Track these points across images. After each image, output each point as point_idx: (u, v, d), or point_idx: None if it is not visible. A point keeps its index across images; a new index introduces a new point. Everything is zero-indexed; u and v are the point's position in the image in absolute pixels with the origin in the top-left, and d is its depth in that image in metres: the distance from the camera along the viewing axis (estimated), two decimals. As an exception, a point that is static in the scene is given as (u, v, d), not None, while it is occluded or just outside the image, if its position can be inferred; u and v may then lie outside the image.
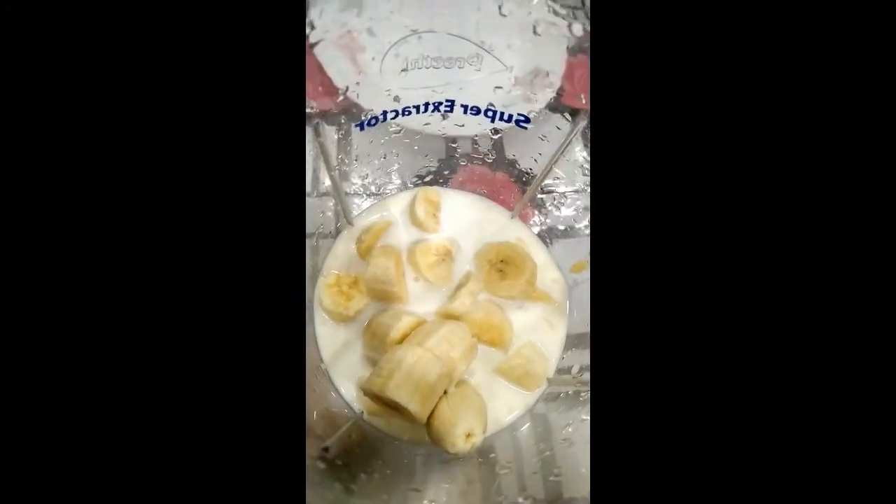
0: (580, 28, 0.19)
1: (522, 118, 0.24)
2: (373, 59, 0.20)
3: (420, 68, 0.21)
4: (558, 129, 0.26)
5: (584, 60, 0.21)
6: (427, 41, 0.20)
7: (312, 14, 0.17)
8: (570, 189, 0.31)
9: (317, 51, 0.18)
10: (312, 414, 0.24)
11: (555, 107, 0.26)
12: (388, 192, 0.32)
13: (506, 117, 0.24)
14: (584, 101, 0.24)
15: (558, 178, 0.31)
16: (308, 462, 0.17)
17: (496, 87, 0.23)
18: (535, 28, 0.20)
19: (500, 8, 0.19)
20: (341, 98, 0.23)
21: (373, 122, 0.24)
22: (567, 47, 0.24)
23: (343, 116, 0.25)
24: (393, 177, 0.32)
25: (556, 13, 0.19)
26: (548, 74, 0.23)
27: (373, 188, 0.32)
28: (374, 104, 0.23)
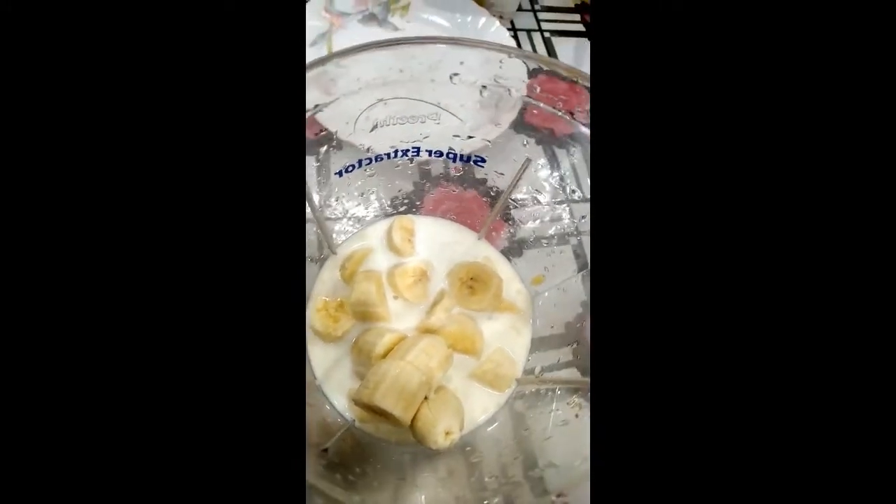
0: (520, 90, 0.23)
1: (479, 159, 0.28)
2: (346, 122, 0.24)
3: (388, 125, 0.25)
4: (514, 160, 0.30)
5: (544, 79, 0.25)
6: (392, 105, 0.24)
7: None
8: (535, 205, 0.35)
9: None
10: (311, 425, 0.27)
11: (518, 127, 0.30)
12: (366, 214, 0.35)
13: (464, 158, 0.28)
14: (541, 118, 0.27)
15: (524, 195, 0.35)
16: (311, 460, 0.21)
17: (454, 136, 0.27)
18: (481, 91, 0.24)
19: (451, 78, 0.23)
20: (321, 132, 0.26)
21: (350, 169, 0.28)
22: (528, 70, 0.28)
23: (322, 145, 0.28)
24: (371, 201, 0.35)
25: (497, 82, 0.23)
26: (510, 92, 0.26)
27: (350, 213, 0.35)
28: (349, 156, 0.27)
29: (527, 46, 0.55)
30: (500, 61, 0.22)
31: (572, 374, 0.29)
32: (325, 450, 0.23)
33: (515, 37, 0.54)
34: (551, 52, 0.55)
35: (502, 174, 0.29)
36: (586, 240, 0.34)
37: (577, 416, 0.26)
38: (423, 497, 0.26)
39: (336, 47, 0.46)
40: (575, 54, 0.56)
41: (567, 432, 0.25)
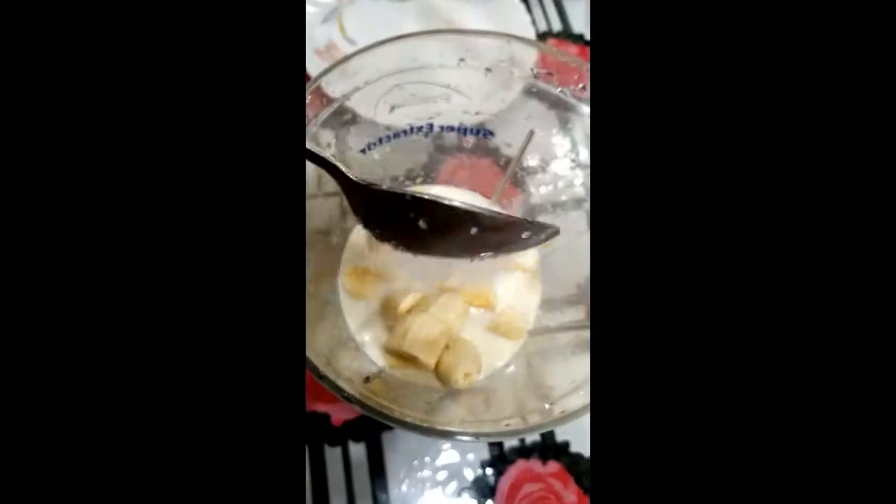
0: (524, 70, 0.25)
1: (487, 132, 0.31)
2: (368, 107, 0.27)
3: (404, 106, 0.28)
4: (521, 132, 0.32)
5: (553, 43, 0.27)
6: (405, 88, 0.27)
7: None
8: (546, 172, 0.37)
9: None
10: (351, 370, 0.32)
11: (529, 92, 0.32)
12: (387, 186, 0.38)
13: (475, 132, 0.31)
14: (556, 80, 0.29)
15: (535, 162, 0.37)
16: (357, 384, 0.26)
17: (464, 112, 0.30)
18: (486, 72, 0.26)
19: (458, 62, 0.26)
20: (336, 105, 0.29)
21: (371, 146, 0.31)
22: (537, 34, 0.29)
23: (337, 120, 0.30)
24: (391, 173, 0.38)
25: (500, 61, 0.25)
26: (512, 73, 0.28)
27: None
28: (370, 135, 0.30)
29: (537, 10, 0.56)
30: (501, 47, 0.25)
31: (578, 316, 0.33)
32: (367, 378, 0.28)
33: (525, 0, 0.54)
34: (562, 13, 0.56)
35: (510, 145, 0.32)
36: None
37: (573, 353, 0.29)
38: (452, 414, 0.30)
39: (347, 24, 0.48)
40: (586, 15, 0.56)
41: (566, 367, 0.29)
